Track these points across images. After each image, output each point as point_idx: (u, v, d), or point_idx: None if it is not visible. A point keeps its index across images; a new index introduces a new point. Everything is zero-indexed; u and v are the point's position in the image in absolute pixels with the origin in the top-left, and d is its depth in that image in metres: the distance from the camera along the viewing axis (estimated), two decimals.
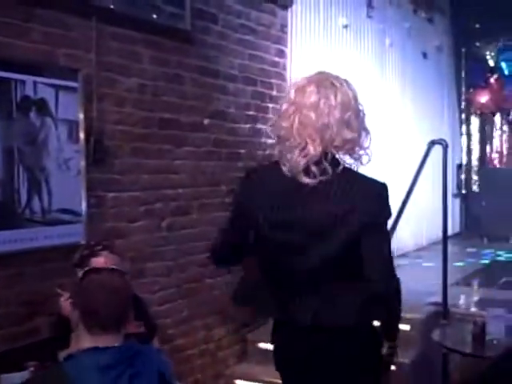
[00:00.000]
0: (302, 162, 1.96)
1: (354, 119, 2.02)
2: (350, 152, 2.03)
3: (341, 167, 1.99)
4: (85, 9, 3.16)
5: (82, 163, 3.17)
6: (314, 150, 1.96)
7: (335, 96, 2.01)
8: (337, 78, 2.10)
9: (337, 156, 2.00)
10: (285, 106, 2.05)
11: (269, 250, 2.08)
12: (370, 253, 1.98)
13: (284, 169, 2.00)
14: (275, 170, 2.03)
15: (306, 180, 1.97)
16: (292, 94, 2.05)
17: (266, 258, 2.12)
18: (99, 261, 2.60)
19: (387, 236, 2.11)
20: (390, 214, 2.06)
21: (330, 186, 1.97)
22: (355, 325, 2.03)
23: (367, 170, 2.07)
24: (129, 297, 1.89)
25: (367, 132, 2.07)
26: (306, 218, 1.99)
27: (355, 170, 2.06)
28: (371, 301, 2.02)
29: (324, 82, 2.05)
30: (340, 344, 2.04)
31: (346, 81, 2.10)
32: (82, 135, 3.16)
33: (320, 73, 2.12)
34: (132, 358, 1.80)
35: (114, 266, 2.04)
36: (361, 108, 2.08)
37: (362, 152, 2.05)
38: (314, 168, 1.96)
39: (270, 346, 4.23)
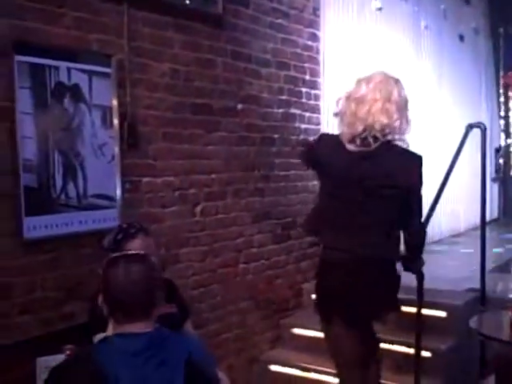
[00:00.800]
0: (348, 135, 2.71)
1: (394, 111, 2.67)
2: (389, 134, 2.68)
3: (379, 142, 2.66)
4: None
5: (116, 148, 3.18)
6: (357, 128, 2.67)
7: (380, 91, 2.68)
8: (387, 77, 2.76)
9: (378, 135, 2.65)
10: (346, 94, 2.77)
11: (326, 192, 2.84)
12: (405, 210, 2.70)
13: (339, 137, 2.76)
14: (336, 138, 2.79)
15: (350, 147, 2.70)
16: (352, 86, 2.77)
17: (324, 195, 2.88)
18: (135, 244, 2.54)
19: (418, 197, 2.74)
20: (421, 181, 2.70)
21: (372, 154, 2.66)
22: (385, 258, 2.76)
23: None
24: (156, 283, 1.85)
25: (407, 121, 2.73)
26: (353, 176, 2.68)
27: (398, 145, 2.71)
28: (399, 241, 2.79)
29: (374, 79, 2.73)
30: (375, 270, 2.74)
31: (395, 79, 2.76)
32: (115, 121, 3.18)
33: (377, 72, 2.79)
34: (160, 345, 1.79)
35: (142, 252, 2.01)
36: (402, 102, 2.72)
37: (396, 136, 2.71)
38: (357, 140, 2.68)
39: (303, 332, 4.27)
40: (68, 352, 2.43)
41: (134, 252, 2.02)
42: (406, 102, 2.74)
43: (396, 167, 2.66)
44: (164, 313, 2.60)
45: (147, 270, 1.82)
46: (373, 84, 2.70)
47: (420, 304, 3.29)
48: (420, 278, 3.24)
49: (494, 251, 5.69)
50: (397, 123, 2.67)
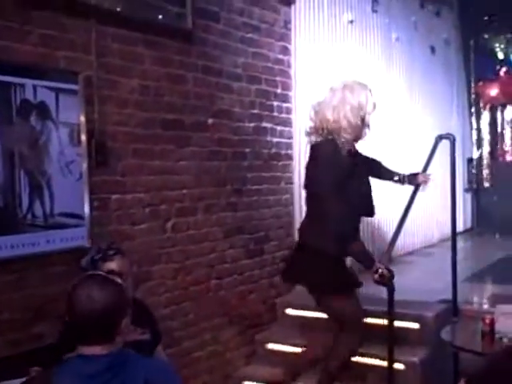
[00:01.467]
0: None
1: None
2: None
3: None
4: (83, 10, 3.14)
5: (85, 166, 3.15)
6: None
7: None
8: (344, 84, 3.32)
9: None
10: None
11: None
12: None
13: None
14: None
15: None
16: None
17: None
18: (111, 265, 2.59)
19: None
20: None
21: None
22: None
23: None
24: (119, 306, 1.83)
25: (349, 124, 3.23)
26: None
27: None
28: None
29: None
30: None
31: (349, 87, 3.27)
32: (83, 138, 3.15)
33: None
34: (120, 368, 1.77)
35: (110, 275, 1.98)
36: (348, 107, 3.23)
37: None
38: None
39: (278, 347, 4.26)
40: (34, 374, 2.39)
41: (101, 274, 1.99)
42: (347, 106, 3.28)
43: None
44: (136, 339, 2.59)
45: (110, 295, 1.79)
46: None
47: (391, 317, 3.29)
48: (390, 290, 3.25)
49: (467, 261, 5.73)
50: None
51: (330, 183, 3.14)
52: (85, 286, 1.80)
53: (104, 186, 3.29)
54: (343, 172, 3.18)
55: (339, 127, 3.22)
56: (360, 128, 3.27)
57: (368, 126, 3.34)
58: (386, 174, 3.65)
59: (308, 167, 3.37)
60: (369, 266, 3.20)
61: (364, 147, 3.66)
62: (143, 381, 1.78)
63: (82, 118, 3.14)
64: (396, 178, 3.65)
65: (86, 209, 3.15)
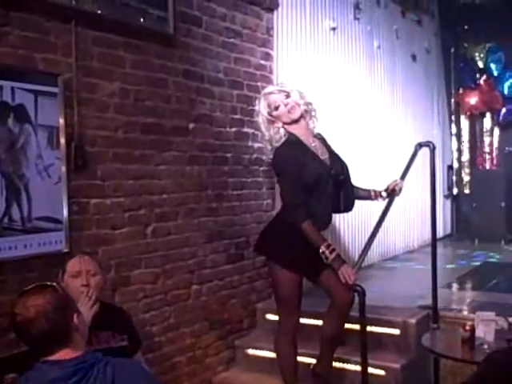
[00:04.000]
0: None
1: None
2: None
3: None
4: (63, 12, 3.11)
5: (63, 169, 3.12)
6: None
7: None
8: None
9: None
10: None
11: None
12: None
13: None
14: None
15: None
16: None
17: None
18: (73, 263, 2.63)
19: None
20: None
21: None
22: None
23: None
24: (61, 307, 1.81)
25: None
26: None
27: None
28: None
29: None
30: None
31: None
32: (62, 141, 3.11)
33: None
34: (86, 371, 1.76)
35: (45, 282, 1.93)
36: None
37: None
38: None
39: (258, 352, 4.25)
40: (10, 381, 2.35)
41: (35, 285, 1.92)
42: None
43: None
44: (114, 346, 2.57)
45: (47, 301, 1.78)
46: None
47: (363, 321, 3.26)
48: (361, 294, 3.19)
49: (447, 267, 5.77)
50: None
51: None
52: (21, 300, 1.81)
53: (83, 190, 3.25)
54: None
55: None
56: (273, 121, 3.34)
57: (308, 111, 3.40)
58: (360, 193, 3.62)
59: None
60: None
61: (345, 154, 3.67)
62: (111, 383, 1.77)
63: (62, 121, 3.11)
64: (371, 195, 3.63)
65: (65, 213, 3.11)
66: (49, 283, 1.89)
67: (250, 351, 4.28)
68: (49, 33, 3.06)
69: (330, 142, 3.56)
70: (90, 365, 1.78)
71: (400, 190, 3.63)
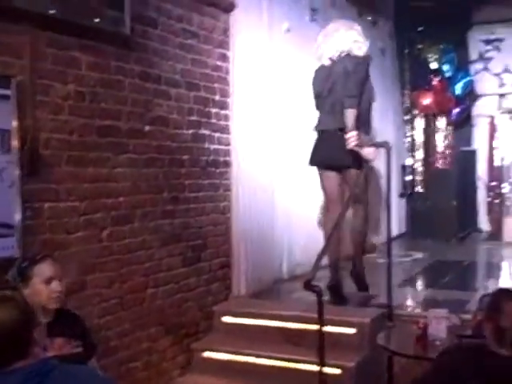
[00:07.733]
0: None
1: None
2: None
3: None
4: (16, 14, 3.05)
5: (16, 173, 3.06)
6: None
7: None
8: None
9: None
10: None
11: None
12: None
13: None
14: None
15: None
16: None
17: None
18: (44, 268, 2.56)
19: None
20: None
21: None
22: None
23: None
24: (22, 322, 1.75)
25: None
26: None
27: None
28: None
29: None
30: None
31: None
32: (15, 144, 3.05)
33: None
34: (40, 378, 1.72)
35: (7, 292, 1.90)
36: None
37: None
38: None
39: (214, 355, 4.25)
40: None
41: None
42: None
43: None
44: (68, 353, 2.53)
45: (10, 318, 1.73)
46: None
47: (320, 320, 3.30)
48: (319, 294, 3.26)
49: (401, 266, 5.86)
50: None
51: None
52: None
53: (37, 194, 3.20)
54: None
55: None
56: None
57: None
58: None
59: None
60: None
61: (300, 154, 3.69)
62: None
63: (15, 124, 3.05)
64: None
65: (17, 218, 3.05)
66: (9, 293, 1.83)
67: (207, 354, 4.27)
68: (2, 34, 2.99)
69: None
70: (45, 371, 1.74)
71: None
